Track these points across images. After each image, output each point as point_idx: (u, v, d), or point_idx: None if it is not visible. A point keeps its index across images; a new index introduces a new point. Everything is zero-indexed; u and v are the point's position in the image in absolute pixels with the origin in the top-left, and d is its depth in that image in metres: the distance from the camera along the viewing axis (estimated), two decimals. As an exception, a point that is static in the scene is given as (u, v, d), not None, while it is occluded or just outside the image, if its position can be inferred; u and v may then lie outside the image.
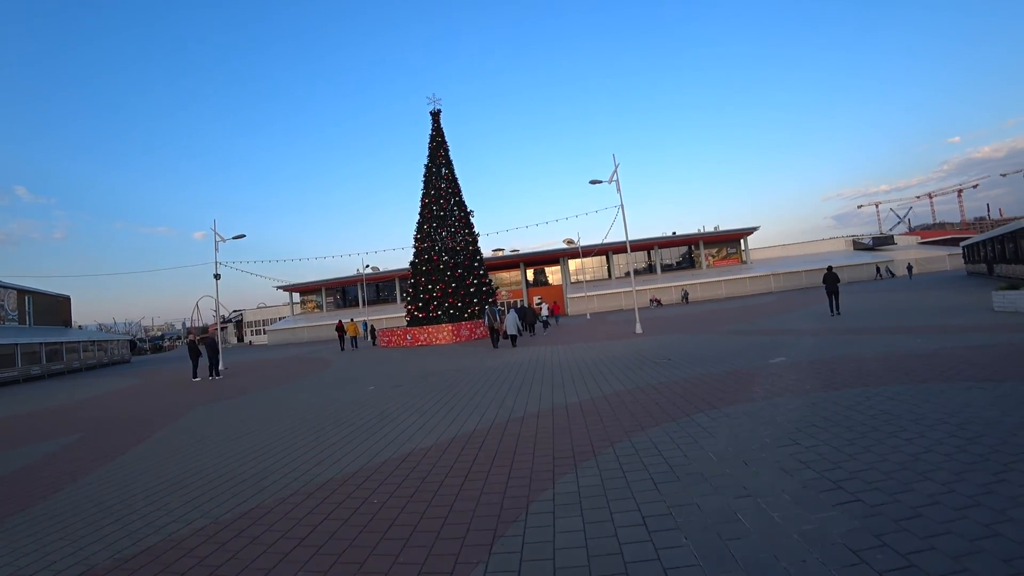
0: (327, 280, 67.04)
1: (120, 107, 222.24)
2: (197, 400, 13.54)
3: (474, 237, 30.79)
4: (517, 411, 7.74)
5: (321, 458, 6.18)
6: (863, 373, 7.61)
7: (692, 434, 5.51)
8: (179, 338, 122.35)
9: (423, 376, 13.63)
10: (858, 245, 64.23)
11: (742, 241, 60.74)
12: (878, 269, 52.31)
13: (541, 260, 60.07)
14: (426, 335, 26.72)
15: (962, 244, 45.29)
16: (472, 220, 31.22)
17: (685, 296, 50.83)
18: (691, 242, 60.30)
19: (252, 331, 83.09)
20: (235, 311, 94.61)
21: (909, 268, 47.10)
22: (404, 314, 31.17)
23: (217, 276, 26.39)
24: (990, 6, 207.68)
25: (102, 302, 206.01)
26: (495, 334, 20.88)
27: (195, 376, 19.88)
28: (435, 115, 31.72)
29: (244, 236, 26.89)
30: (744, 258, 60.81)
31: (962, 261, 51.54)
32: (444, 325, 26.52)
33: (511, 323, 19.73)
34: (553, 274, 61.09)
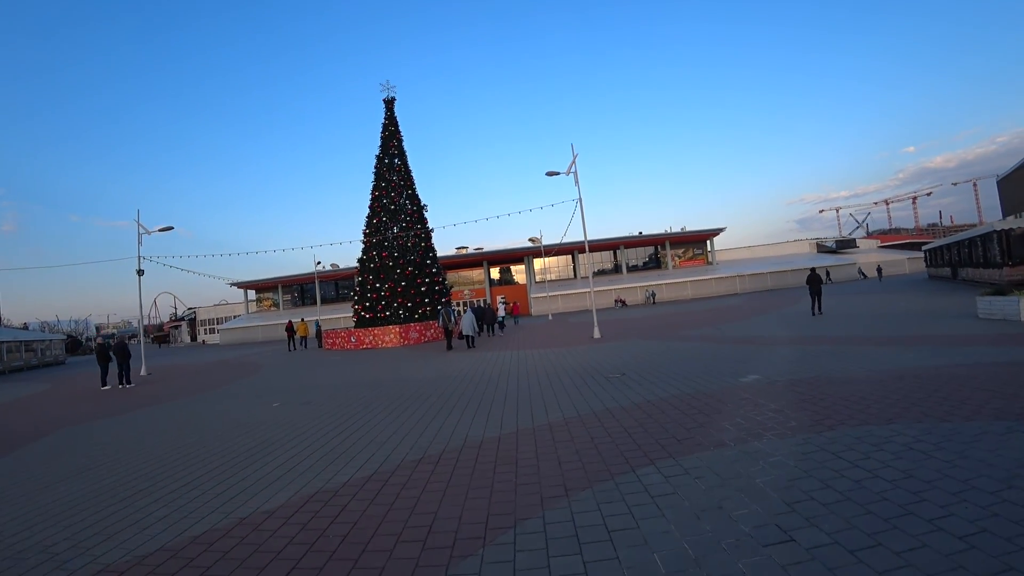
0: (284, 277, 63.71)
1: (68, 96, 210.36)
2: (83, 415, 11.53)
3: (427, 233, 28.71)
4: (416, 451, 5.84)
5: (116, 529, 4.13)
6: (858, 402, 5.97)
7: (632, 508, 3.70)
8: (132, 336, 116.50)
9: (347, 387, 11.69)
10: (821, 248, 64.56)
11: (708, 242, 60.18)
12: (860, 270, 52.49)
13: (505, 259, 58.27)
14: (371, 337, 24.54)
15: (924, 248, 45.46)
16: (426, 215, 29.16)
17: (652, 296, 49.70)
18: (657, 242, 59.38)
19: (206, 330, 78.77)
20: (190, 308, 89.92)
21: (879, 270, 47.11)
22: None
23: (140, 272, 23.69)
24: (942, 18, 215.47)
25: (52, 299, 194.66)
26: (449, 336, 19.81)
27: (104, 384, 17.53)
28: (388, 103, 29.52)
29: (172, 228, 24.28)
30: (710, 259, 60.24)
31: (922, 264, 52.08)
32: (391, 327, 24.40)
33: (467, 324, 19.04)
34: (519, 273, 59.41)
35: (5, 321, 68.40)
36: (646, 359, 11.41)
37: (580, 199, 17.93)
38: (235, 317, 68.69)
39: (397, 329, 24.23)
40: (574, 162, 17.83)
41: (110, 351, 18.21)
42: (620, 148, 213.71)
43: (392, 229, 27.58)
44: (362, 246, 28.11)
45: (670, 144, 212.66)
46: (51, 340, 48.65)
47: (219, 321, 72.36)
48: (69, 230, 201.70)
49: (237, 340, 59.10)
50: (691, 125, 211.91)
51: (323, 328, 35.51)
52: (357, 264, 28.16)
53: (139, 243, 23.31)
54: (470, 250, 60.95)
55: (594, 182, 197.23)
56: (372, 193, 28.33)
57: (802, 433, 5.01)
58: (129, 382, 17.65)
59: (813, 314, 17.71)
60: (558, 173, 18.52)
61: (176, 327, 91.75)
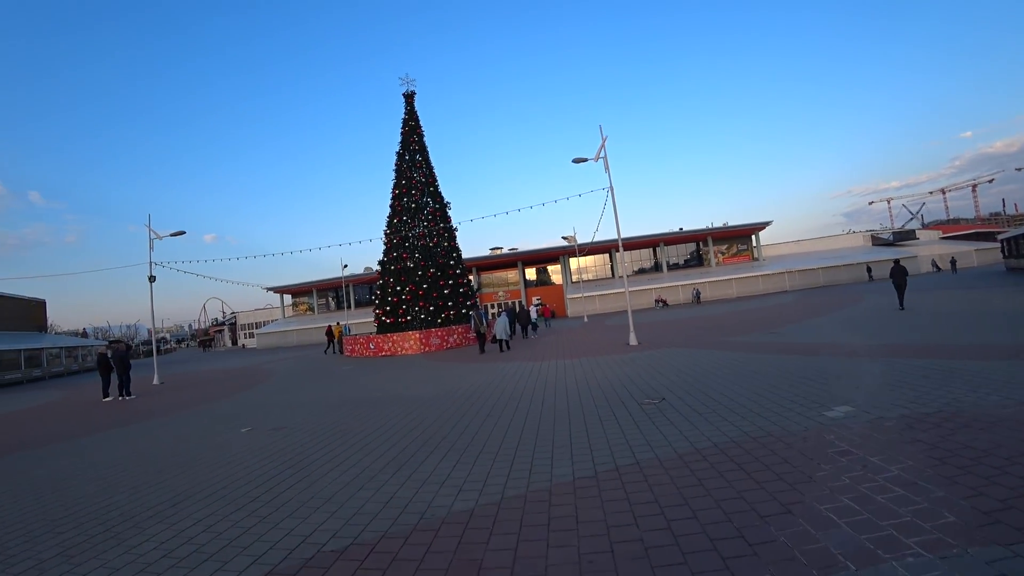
0: (318, 281, 63.65)
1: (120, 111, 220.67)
2: (54, 434, 10.62)
3: (451, 232, 27.02)
4: (348, 531, 3.96)
5: None
6: (1040, 466, 3.72)
7: None
8: (181, 340, 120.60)
9: (337, 407, 10.13)
10: (877, 240, 59.55)
11: (753, 237, 56.22)
12: (935, 263, 47.69)
13: (540, 258, 56.14)
14: (390, 344, 23.01)
15: (1001, 237, 40.77)
16: (449, 212, 27.49)
17: (697, 296, 46.43)
18: (699, 238, 55.91)
19: (245, 334, 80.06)
20: (232, 313, 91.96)
21: (952, 262, 42.67)
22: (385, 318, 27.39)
23: (152, 278, 22.90)
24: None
25: (106, 305, 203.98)
26: (482, 339, 19.24)
27: (105, 395, 16.68)
28: (408, 97, 28.00)
29: (184, 233, 23.42)
30: (756, 255, 56.34)
31: (993, 256, 47.03)
32: (411, 333, 22.79)
33: (500, 327, 18.64)
34: (555, 274, 57.17)
35: (58, 329, 71.11)
36: (691, 376, 9.22)
37: (611, 187, 15.75)
38: (272, 321, 69.25)
39: (417, 335, 22.61)
40: (603, 146, 15.67)
41: (111, 361, 17.30)
42: (655, 142, 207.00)
43: (414, 229, 26.04)
44: (383, 247, 26.70)
45: (707, 138, 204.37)
46: (92, 346, 49.86)
47: (257, 325, 73.22)
48: (126, 240, 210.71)
49: (273, 344, 59.29)
50: (728, 117, 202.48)
51: (354, 332, 34.49)
52: (378, 266, 26.75)
53: (150, 248, 22.52)
54: (504, 251, 59.25)
55: (628, 177, 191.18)
56: (393, 192, 26.88)
57: (969, 542, 2.84)
58: (129, 394, 16.66)
59: (901, 308, 16.76)
60: (586, 160, 16.39)
61: (219, 331, 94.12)
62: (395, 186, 26.88)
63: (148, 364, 45.74)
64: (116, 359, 16.73)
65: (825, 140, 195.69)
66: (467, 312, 25.78)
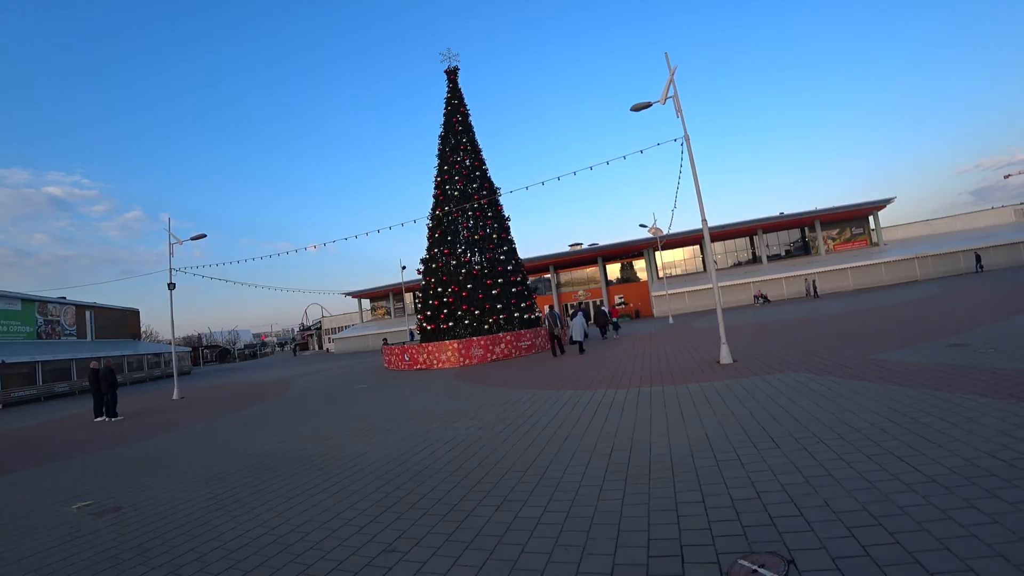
0: (394, 285, 62.70)
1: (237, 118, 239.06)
2: None
3: (502, 222, 23.17)
4: None
5: None
6: None
7: None
8: (282, 345, 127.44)
9: (241, 468, 6.54)
10: (1034, 215, 47.64)
11: (871, 218, 46.84)
12: None
13: (622, 253, 50.60)
14: (425, 356, 19.57)
15: None
16: (499, 199, 23.67)
17: (812, 288, 38.81)
18: (804, 223, 47.40)
19: (329, 339, 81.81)
20: (319, 319, 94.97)
21: None
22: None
23: (172, 285, 21.23)
24: None
25: (209, 313, 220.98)
26: (557, 341, 18.20)
27: (96, 415, 14.93)
28: (451, 74, 24.52)
29: (205, 236, 21.62)
30: (874, 239, 47.02)
31: None
32: (448, 343, 19.20)
33: (577, 328, 18.01)
34: (640, 271, 51.50)
35: (156, 337, 76.09)
36: (826, 439, 4.62)
37: (686, 136, 11.00)
38: (351, 326, 69.67)
39: (455, 345, 18.98)
40: (671, 81, 10.98)
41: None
42: (743, 118, 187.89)
43: (457, 219, 22.51)
44: (426, 243, 23.42)
45: (803, 113, 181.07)
46: (185, 352, 51.90)
47: (338, 330, 74.15)
48: (242, 252, 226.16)
49: (351, 349, 59.28)
50: (828, 89, 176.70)
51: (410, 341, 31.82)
52: (420, 265, 23.48)
53: (170, 254, 20.81)
54: (584, 246, 54.59)
55: (712, 159, 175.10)
56: (435, 180, 23.51)
57: None
58: (114, 415, 14.59)
59: None
60: (649, 104, 11.71)
61: (311, 336, 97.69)
62: (437, 173, 23.49)
63: (233, 369, 46.35)
64: (102, 377, 14.65)
65: (946, 105, 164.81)
66: (524, 316, 21.87)
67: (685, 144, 10.97)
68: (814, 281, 38.63)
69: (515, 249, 23.37)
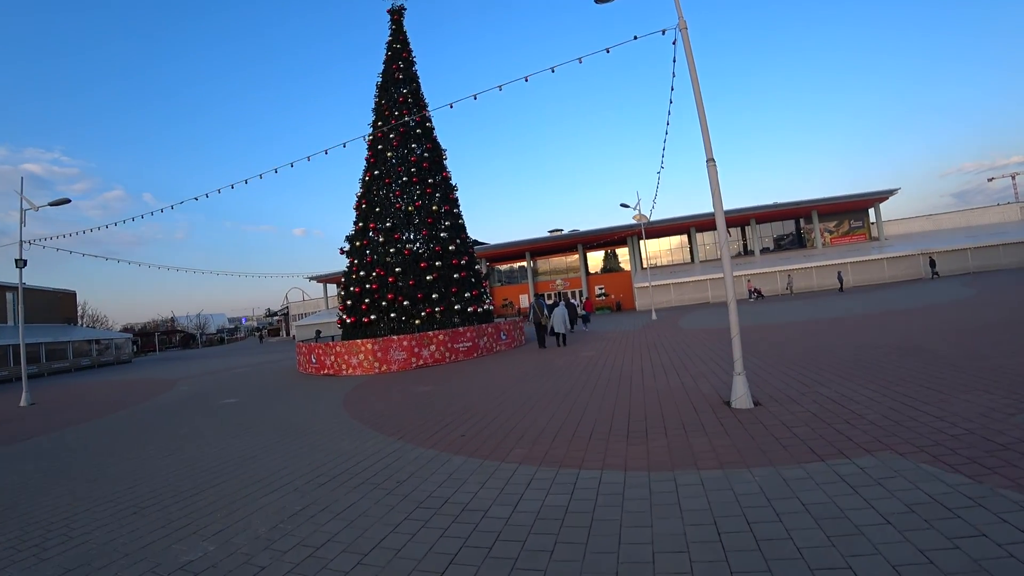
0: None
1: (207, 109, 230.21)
2: None
3: (446, 193, 18.70)
4: None
5: None
6: None
7: None
8: (259, 331, 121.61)
9: None
10: (1039, 213, 43.90)
11: (871, 211, 42.67)
12: None
13: (605, 240, 45.91)
14: (333, 358, 15.17)
15: None
16: (446, 163, 19.20)
17: (841, 282, 34.42)
18: (800, 213, 42.94)
19: (295, 325, 76.97)
20: (286, 304, 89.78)
21: None
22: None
23: (23, 262, 16.57)
24: None
25: (195, 297, 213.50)
26: (542, 331, 17.10)
27: None
28: (395, 13, 19.84)
29: (69, 201, 16.87)
30: (874, 232, 43.12)
31: None
32: (361, 343, 14.79)
33: (558, 320, 16.76)
34: (625, 262, 47.08)
35: (103, 323, 70.26)
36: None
37: (682, 23, 6.44)
38: (314, 313, 64.91)
39: (370, 346, 14.58)
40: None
41: None
42: (738, 111, 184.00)
43: (391, 187, 18.00)
44: (353, 217, 18.86)
45: (798, 110, 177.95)
46: (125, 339, 46.92)
47: (302, 316, 69.29)
48: (226, 236, 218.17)
49: (313, 336, 54.51)
50: (815, 94, 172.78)
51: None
52: (345, 243, 18.89)
53: (21, 222, 16.11)
54: (564, 232, 50.08)
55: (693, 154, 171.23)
56: (367, 139, 18.82)
57: None
58: None
59: None
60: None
61: (281, 322, 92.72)
62: (372, 131, 18.83)
63: (180, 357, 41.41)
64: None
65: (931, 108, 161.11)
66: (469, 309, 17.50)
67: (680, 36, 6.53)
68: (839, 273, 34.29)
69: (463, 224, 18.93)
